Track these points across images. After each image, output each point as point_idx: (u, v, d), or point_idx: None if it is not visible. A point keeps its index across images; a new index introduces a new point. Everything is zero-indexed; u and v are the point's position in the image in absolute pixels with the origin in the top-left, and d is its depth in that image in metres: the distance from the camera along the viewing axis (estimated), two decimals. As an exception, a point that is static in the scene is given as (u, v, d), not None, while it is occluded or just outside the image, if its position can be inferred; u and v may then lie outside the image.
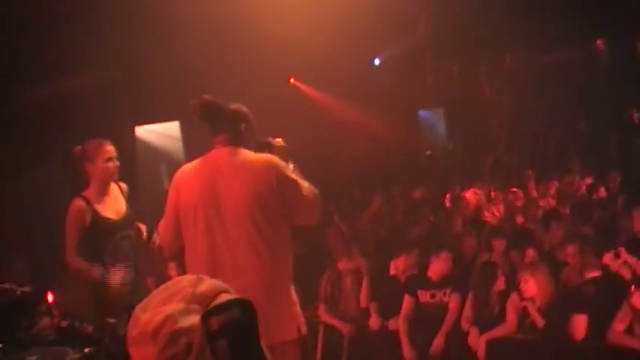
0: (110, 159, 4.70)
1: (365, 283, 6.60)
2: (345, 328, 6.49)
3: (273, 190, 3.57)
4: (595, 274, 5.52)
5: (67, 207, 4.67)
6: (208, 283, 1.69)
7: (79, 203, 4.64)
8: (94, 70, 9.10)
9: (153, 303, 1.66)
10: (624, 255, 5.59)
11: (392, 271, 6.78)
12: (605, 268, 5.62)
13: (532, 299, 5.50)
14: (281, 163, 3.68)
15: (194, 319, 1.60)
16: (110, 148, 4.73)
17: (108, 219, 4.69)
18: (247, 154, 3.66)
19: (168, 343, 1.59)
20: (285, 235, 3.68)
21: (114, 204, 4.77)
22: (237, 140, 3.67)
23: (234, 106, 3.74)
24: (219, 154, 3.67)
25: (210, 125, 3.72)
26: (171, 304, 1.63)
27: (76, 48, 8.15)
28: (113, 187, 4.81)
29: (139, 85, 9.41)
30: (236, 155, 3.64)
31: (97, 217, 4.65)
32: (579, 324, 5.21)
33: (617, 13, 11.87)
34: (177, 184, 3.76)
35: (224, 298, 1.66)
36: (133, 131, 10.46)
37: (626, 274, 5.51)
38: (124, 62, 9.02)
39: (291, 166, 3.77)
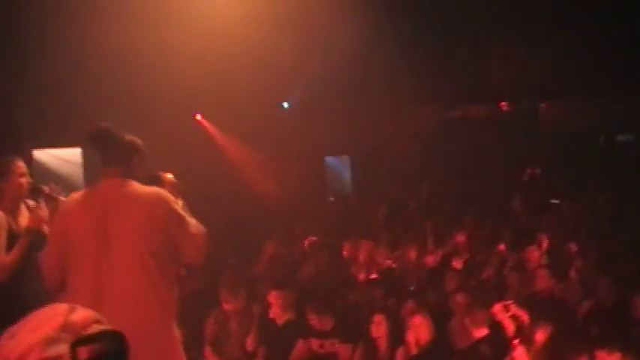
0: (23, 174, 4.66)
1: (254, 327, 6.55)
2: None
3: (160, 225, 3.55)
4: (483, 332, 5.59)
5: None
6: (81, 313, 1.66)
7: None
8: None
9: (21, 330, 1.62)
10: (513, 309, 5.69)
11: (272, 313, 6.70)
12: (492, 321, 5.73)
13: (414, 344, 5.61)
14: (170, 197, 3.67)
15: (62, 348, 1.57)
16: (22, 164, 4.70)
17: (19, 235, 4.57)
18: (137, 187, 3.63)
19: (33, 372, 1.55)
20: (170, 272, 3.64)
21: (24, 222, 4.68)
22: (128, 172, 3.66)
23: (128, 137, 3.73)
24: (108, 185, 3.64)
25: (101, 154, 3.69)
26: (39, 331, 1.59)
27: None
28: (22, 205, 4.75)
29: (38, 105, 9.19)
30: (125, 187, 3.61)
31: (10, 233, 4.55)
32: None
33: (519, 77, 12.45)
34: (65, 213, 3.70)
35: (95, 328, 1.63)
36: (30, 154, 10.19)
37: (510, 326, 5.61)
38: (26, 78, 8.80)
39: (180, 202, 3.76)
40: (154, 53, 8.75)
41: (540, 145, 14.17)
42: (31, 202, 4.80)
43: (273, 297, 6.63)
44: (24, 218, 4.70)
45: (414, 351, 5.63)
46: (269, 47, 9.37)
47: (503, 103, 14.93)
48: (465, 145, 14.32)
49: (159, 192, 3.67)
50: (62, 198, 4.51)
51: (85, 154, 11.63)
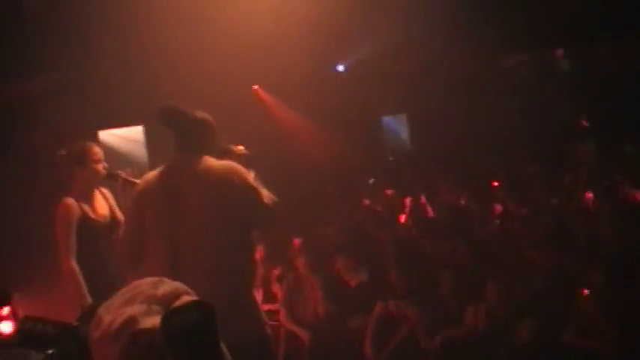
0: (99, 160, 4.69)
1: (326, 291, 6.67)
2: (304, 335, 6.53)
3: (235, 198, 3.64)
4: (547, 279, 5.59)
5: (57, 208, 4.59)
6: (169, 285, 1.75)
7: (70, 201, 4.58)
8: (56, 72, 9.05)
9: (115, 305, 1.72)
10: None
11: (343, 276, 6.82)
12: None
13: (486, 301, 5.64)
14: (243, 170, 3.76)
15: (155, 320, 1.66)
16: (98, 150, 4.74)
17: (97, 221, 4.64)
18: (210, 162, 3.72)
19: (130, 343, 1.64)
20: (247, 240, 3.75)
21: (100, 208, 4.73)
22: (201, 148, 3.74)
23: (199, 113, 3.81)
24: (183, 161, 3.73)
25: (173, 132, 3.77)
26: (133, 305, 1.68)
27: (37, 48, 8.11)
28: (96, 191, 4.78)
29: (101, 87, 9.37)
30: (199, 162, 3.70)
31: (84, 219, 4.60)
32: (528, 328, 5.30)
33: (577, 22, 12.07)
34: (141, 191, 3.81)
35: (185, 299, 1.72)
36: (96, 134, 10.42)
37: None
38: (86, 64, 8.98)
39: (252, 173, 3.84)
40: (209, 28, 8.82)
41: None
42: (104, 190, 4.84)
43: (341, 262, 6.75)
44: (99, 204, 4.72)
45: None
46: (322, 10, 9.31)
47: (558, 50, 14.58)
48: (520, 96, 14.05)
49: (232, 165, 3.76)
50: (138, 181, 4.58)
51: (147, 132, 11.82)
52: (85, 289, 4.47)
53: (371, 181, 12.31)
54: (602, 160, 9.60)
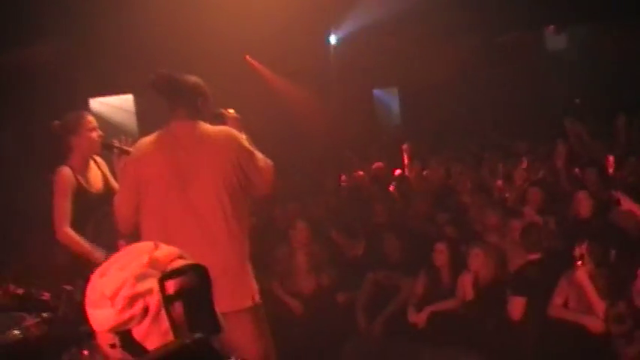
0: (94, 129, 4.64)
1: (322, 262, 6.71)
2: (296, 306, 6.54)
3: (233, 162, 3.67)
4: (537, 255, 5.62)
5: (53, 178, 4.56)
6: (164, 249, 1.77)
7: (67, 171, 4.55)
8: (47, 41, 8.99)
9: (111, 268, 1.74)
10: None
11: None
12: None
13: (475, 273, 5.69)
14: (239, 134, 3.78)
15: (151, 283, 1.68)
16: (92, 118, 4.69)
17: (91, 192, 4.62)
18: (206, 127, 3.74)
19: (126, 305, 1.67)
20: (244, 206, 3.77)
21: (95, 178, 4.71)
22: (196, 114, 3.74)
23: (192, 79, 3.80)
24: (179, 127, 3.73)
25: (167, 99, 3.77)
26: (128, 268, 1.70)
27: (28, 18, 8.05)
28: (91, 161, 4.75)
29: (91, 56, 9.32)
30: (195, 128, 3.71)
31: (80, 190, 4.58)
32: (517, 306, 5.34)
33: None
34: (137, 158, 3.80)
35: (180, 263, 1.74)
36: (87, 104, 10.37)
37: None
38: (77, 33, 8.92)
39: (244, 136, 3.86)
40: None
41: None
42: (99, 160, 4.81)
43: (335, 235, 6.80)
44: (94, 175, 4.68)
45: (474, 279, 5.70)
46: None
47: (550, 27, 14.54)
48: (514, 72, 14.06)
49: (227, 130, 3.78)
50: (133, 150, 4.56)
51: (137, 101, 11.78)
52: (88, 245, 4.48)
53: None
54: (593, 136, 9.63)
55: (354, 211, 8.10)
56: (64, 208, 4.51)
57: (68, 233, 4.50)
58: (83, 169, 4.66)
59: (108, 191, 4.66)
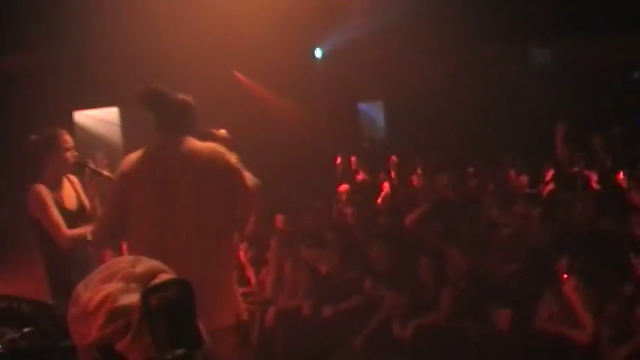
0: (69, 148, 4.62)
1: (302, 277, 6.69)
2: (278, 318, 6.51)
3: (219, 179, 3.63)
4: (516, 266, 5.62)
5: (28, 196, 4.53)
6: (147, 263, 1.76)
7: (41, 188, 4.52)
8: (32, 52, 8.96)
9: (93, 282, 1.72)
10: None
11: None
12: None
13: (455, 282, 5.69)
14: (226, 152, 3.74)
15: (133, 298, 1.66)
16: (68, 138, 4.66)
17: (66, 208, 4.59)
18: (194, 143, 3.71)
19: (108, 320, 1.65)
20: (230, 224, 3.74)
21: (68, 196, 4.68)
22: (183, 129, 3.72)
23: (180, 96, 3.78)
24: (166, 143, 3.71)
25: (155, 114, 3.74)
26: (111, 282, 1.69)
27: (12, 29, 8.01)
28: (65, 179, 4.73)
29: (77, 68, 9.28)
30: (183, 144, 3.68)
31: (56, 205, 4.54)
32: (503, 317, 5.35)
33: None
34: (125, 173, 3.77)
35: (163, 277, 1.72)
36: (70, 116, 10.34)
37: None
38: (63, 43, 8.89)
39: (234, 156, 3.83)
40: (188, 12, 8.77)
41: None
42: (73, 177, 4.77)
43: (309, 254, 6.80)
44: (66, 193, 4.66)
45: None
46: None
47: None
48: (497, 86, 14.15)
49: (216, 147, 3.74)
50: (106, 173, 4.55)
51: (122, 114, 11.75)
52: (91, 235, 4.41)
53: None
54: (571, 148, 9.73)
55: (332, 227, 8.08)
56: (55, 215, 4.50)
57: (71, 236, 4.50)
58: (56, 186, 4.64)
59: (81, 210, 4.64)
